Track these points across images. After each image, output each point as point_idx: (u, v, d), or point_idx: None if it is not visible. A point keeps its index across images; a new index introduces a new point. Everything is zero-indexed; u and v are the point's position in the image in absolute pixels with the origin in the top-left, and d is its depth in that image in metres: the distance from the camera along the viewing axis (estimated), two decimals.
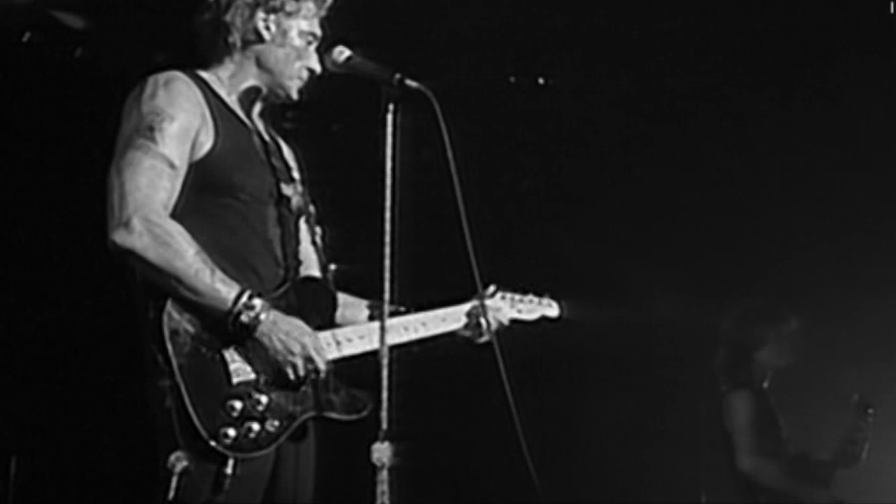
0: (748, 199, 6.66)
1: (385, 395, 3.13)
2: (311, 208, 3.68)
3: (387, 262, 3.21)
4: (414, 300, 3.71)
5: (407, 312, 3.69)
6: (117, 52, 5.75)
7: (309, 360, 3.36)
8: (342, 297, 3.69)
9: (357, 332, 3.55)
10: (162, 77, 3.44)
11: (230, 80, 3.59)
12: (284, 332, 3.34)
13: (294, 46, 3.59)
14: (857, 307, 6.47)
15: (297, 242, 3.59)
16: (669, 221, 6.75)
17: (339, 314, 3.65)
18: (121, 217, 3.26)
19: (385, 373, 3.16)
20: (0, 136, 5.65)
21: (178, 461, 3.19)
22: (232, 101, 3.57)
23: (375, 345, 3.32)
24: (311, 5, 3.61)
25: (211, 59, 3.61)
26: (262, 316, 3.30)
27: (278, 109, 3.75)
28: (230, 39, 3.57)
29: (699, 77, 6.33)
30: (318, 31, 3.63)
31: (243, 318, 3.28)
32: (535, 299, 4.17)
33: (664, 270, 6.76)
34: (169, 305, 3.25)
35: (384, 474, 3.10)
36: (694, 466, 6.60)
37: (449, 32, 5.89)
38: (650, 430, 6.66)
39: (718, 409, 6.08)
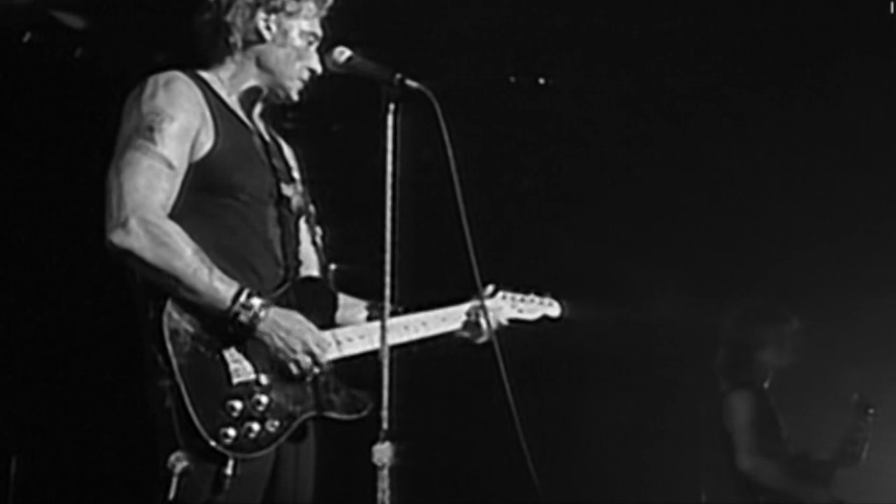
0: (748, 199, 6.67)
1: (386, 395, 3.13)
2: (312, 208, 3.67)
3: (387, 262, 3.20)
4: (414, 300, 3.71)
5: (405, 313, 3.69)
6: (117, 52, 5.76)
7: (311, 355, 3.36)
8: (341, 298, 3.69)
9: (357, 332, 3.55)
10: (162, 77, 3.44)
11: (231, 80, 3.59)
12: (285, 329, 3.34)
13: (295, 47, 3.59)
14: (857, 307, 6.48)
15: (298, 242, 3.59)
16: (669, 221, 6.75)
17: (338, 314, 3.65)
18: (118, 217, 3.27)
19: (386, 373, 3.16)
20: (0, 136, 5.65)
21: (178, 461, 3.19)
22: (232, 101, 3.57)
23: (376, 344, 3.32)
24: (311, 5, 3.61)
25: (211, 59, 3.61)
26: (261, 314, 3.30)
27: (278, 110, 3.75)
28: (231, 39, 3.57)
29: (699, 77, 6.33)
30: (319, 32, 3.63)
31: (241, 317, 3.28)
32: (537, 299, 4.16)
33: (664, 270, 6.76)
34: (169, 305, 3.25)
35: (385, 474, 3.10)
36: (694, 466, 6.61)
37: (449, 32, 5.89)
38: (650, 430, 6.66)
39: (718, 409, 6.09)
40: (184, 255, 3.26)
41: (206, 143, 3.41)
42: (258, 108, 3.66)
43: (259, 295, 3.32)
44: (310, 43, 3.62)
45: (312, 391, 3.41)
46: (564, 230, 6.82)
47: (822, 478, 5.96)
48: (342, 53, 3.48)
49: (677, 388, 6.71)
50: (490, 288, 3.95)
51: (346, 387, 3.49)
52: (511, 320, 4.07)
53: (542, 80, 6.45)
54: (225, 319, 3.27)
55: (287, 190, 3.56)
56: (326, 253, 3.68)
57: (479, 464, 6.56)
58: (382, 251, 3.21)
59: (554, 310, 4.22)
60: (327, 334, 3.47)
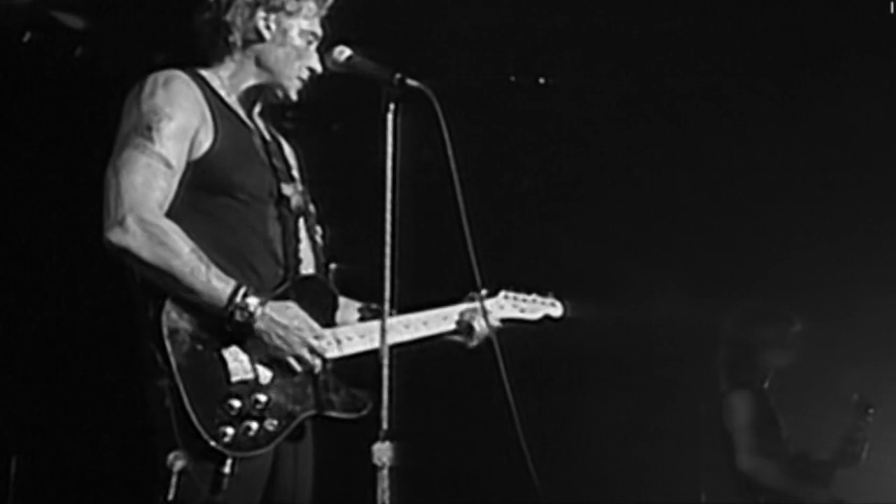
0: (748, 199, 6.67)
1: (386, 394, 3.13)
2: (312, 208, 3.67)
3: (387, 262, 3.20)
4: (414, 300, 3.70)
5: (398, 314, 3.67)
6: (117, 52, 5.75)
7: (311, 349, 3.36)
8: None
9: (358, 331, 3.55)
10: (162, 76, 3.44)
11: (230, 79, 3.59)
12: (283, 326, 3.34)
13: (294, 46, 3.59)
14: (857, 307, 6.48)
15: (298, 241, 3.58)
16: (669, 221, 6.75)
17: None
18: (116, 216, 3.27)
19: (386, 372, 3.16)
20: (0, 136, 5.64)
21: (177, 460, 3.19)
22: (232, 100, 3.57)
23: (376, 343, 3.31)
24: (311, 5, 3.61)
25: (211, 58, 3.61)
26: (258, 312, 3.30)
27: (278, 109, 3.75)
28: (230, 39, 3.57)
29: (699, 77, 6.33)
30: (319, 31, 3.63)
31: (238, 315, 3.28)
32: (539, 299, 4.15)
33: (664, 270, 6.76)
34: (168, 305, 3.25)
35: (385, 474, 3.09)
36: (694, 466, 6.61)
37: (449, 32, 5.89)
38: (650, 430, 6.66)
39: (718, 409, 6.09)
40: (181, 253, 3.26)
41: (206, 142, 3.41)
42: (258, 108, 3.66)
43: (256, 293, 3.32)
44: (309, 42, 3.61)
45: (312, 390, 3.41)
46: (564, 230, 6.81)
47: (822, 478, 5.96)
48: (342, 53, 3.48)
49: (677, 388, 6.71)
50: (483, 292, 3.92)
51: (346, 386, 3.49)
52: (513, 320, 4.06)
53: (542, 80, 6.45)
54: (223, 318, 3.27)
55: (287, 189, 3.56)
56: (326, 252, 3.68)
57: (479, 464, 6.56)
58: (382, 251, 3.20)
59: (556, 310, 4.20)
60: (328, 333, 3.47)
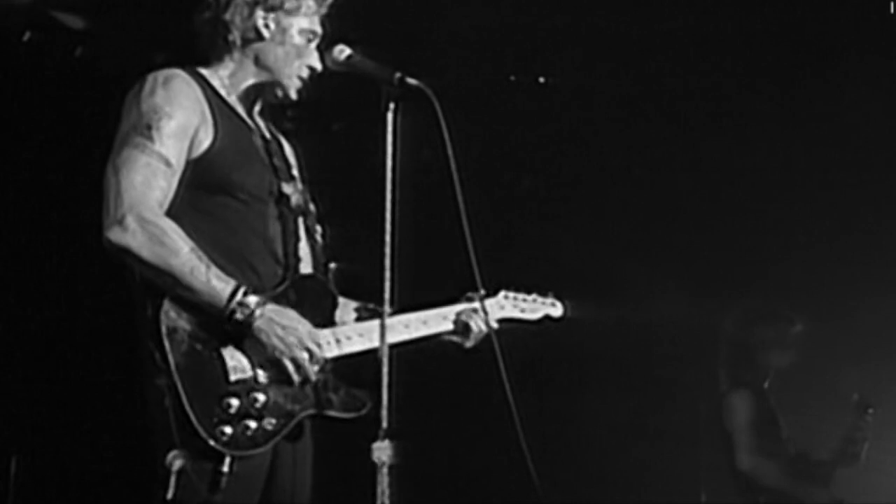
0: (748, 198, 6.66)
1: (385, 393, 3.13)
2: (311, 207, 3.67)
3: (387, 262, 3.20)
4: (414, 300, 3.70)
5: (395, 314, 3.66)
6: (117, 52, 5.75)
7: (308, 352, 3.36)
8: None
9: (357, 330, 3.55)
10: (162, 74, 3.44)
11: (230, 78, 3.59)
12: (282, 326, 3.34)
13: (294, 45, 3.59)
14: (857, 307, 6.48)
15: (298, 240, 3.58)
16: (669, 221, 6.75)
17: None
18: (115, 215, 3.27)
19: (385, 371, 3.16)
20: (0, 135, 5.64)
21: (176, 459, 3.19)
22: (232, 99, 3.57)
23: (375, 343, 3.31)
24: (311, 3, 3.61)
25: (211, 57, 3.61)
26: (258, 312, 3.30)
27: (278, 108, 3.75)
28: (230, 38, 3.57)
29: (699, 77, 6.33)
30: (319, 29, 3.63)
31: (238, 315, 3.28)
32: (539, 298, 4.15)
33: (664, 270, 6.76)
34: (166, 303, 3.25)
35: (384, 473, 3.09)
36: (694, 466, 6.61)
37: (449, 31, 5.88)
38: (650, 430, 6.66)
39: (718, 409, 6.09)
40: (180, 252, 3.26)
41: (205, 141, 3.41)
42: (258, 106, 3.66)
43: (256, 292, 3.32)
44: (309, 41, 3.61)
45: (311, 389, 3.41)
46: (564, 230, 6.81)
47: (821, 478, 5.96)
48: (342, 52, 3.48)
49: (677, 388, 6.71)
50: (481, 292, 3.91)
51: (346, 385, 3.49)
52: (513, 320, 4.06)
53: (542, 80, 6.44)
54: (222, 317, 3.27)
55: (287, 188, 3.56)
56: (326, 252, 3.68)
57: (479, 463, 6.56)
58: (382, 250, 3.20)
59: (556, 310, 4.20)
60: (327, 332, 3.47)
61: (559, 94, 6.46)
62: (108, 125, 3.45)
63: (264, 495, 3.39)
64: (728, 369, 6.16)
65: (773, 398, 6.13)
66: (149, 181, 3.30)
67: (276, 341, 3.33)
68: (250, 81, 3.60)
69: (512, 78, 6.43)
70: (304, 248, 3.59)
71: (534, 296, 4.13)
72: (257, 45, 3.58)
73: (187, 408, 3.19)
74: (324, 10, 3.64)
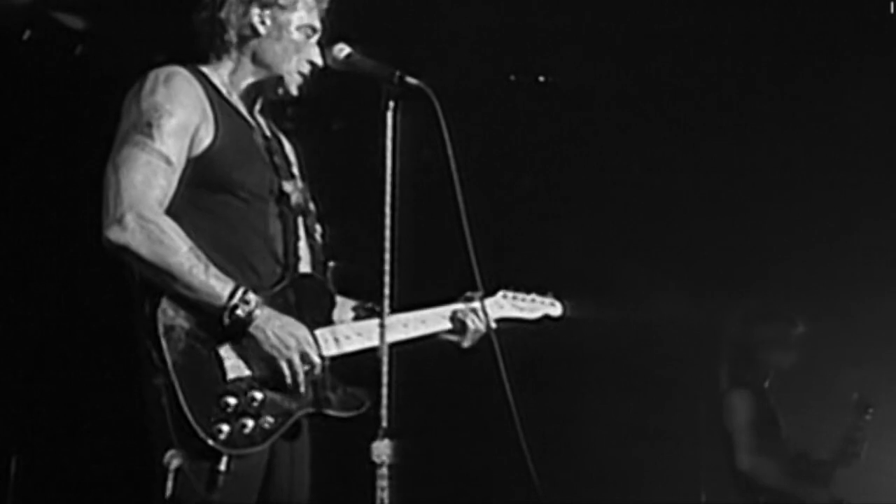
0: (749, 198, 6.67)
1: (385, 392, 3.13)
2: (311, 206, 3.67)
3: (386, 261, 3.20)
4: (414, 300, 3.70)
5: (392, 313, 3.65)
6: (117, 51, 5.75)
7: (304, 355, 3.36)
8: None
9: (356, 329, 3.55)
10: (163, 72, 3.45)
11: (230, 76, 3.59)
12: (279, 325, 3.34)
13: (292, 40, 3.59)
14: (857, 307, 6.48)
15: (297, 239, 3.58)
16: (669, 221, 6.75)
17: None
18: (115, 213, 3.27)
19: (385, 370, 3.15)
20: (0, 135, 5.64)
21: (174, 458, 3.19)
22: (234, 97, 3.58)
23: (374, 342, 3.30)
24: None
25: (211, 57, 3.61)
26: (257, 312, 3.30)
27: (279, 107, 3.75)
28: (226, 37, 3.58)
29: (699, 77, 6.33)
30: (318, 24, 3.62)
31: (239, 311, 3.27)
32: (538, 298, 4.15)
33: (664, 270, 6.76)
34: (164, 302, 3.25)
35: (384, 472, 3.09)
36: (694, 466, 6.61)
37: (449, 31, 5.88)
38: (650, 430, 6.66)
39: (718, 409, 6.09)
40: (179, 251, 3.26)
41: (206, 139, 3.41)
42: (258, 105, 3.66)
43: (255, 291, 3.32)
44: (308, 36, 3.61)
45: (309, 388, 3.40)
46: (564, 230, 6.81)
47: (821, 477, 5.96)
48: (341, 51, 3.47)
49: (677, 388, 6.70)
50: (479, 293, 3.91)
51: (344, 384, 3.49)
52: (512, 319, 4.05)
53: (541, 79, 6.44)
54: (220, 316, 3.27)
55: (287, 186, 3.56)
56: (326, 251, 3.68)
57: (478, 463, 6.55)
58: (382, 250, 3.20)
59: (556, 309, 4.20)
60: (326, 331, 3.47)
61: (559, 94, 6.46)
62: (108, 125, 3.45)
63: (262, 494, 3.39)
64: (728, 369, 6.16)
65: (773, 398, 6.13)
66: (149, 180, 3.30)
67: (273, 339, 3.33)
68: (250, 80, 3.60)
69: (512, 78, 6.43)
70: (303, 247, 3.59)
71: (533, 295, 4.13)
72: (254, 43, 3.58)
73: (184, 406, 3.19)
74: (324, 5, 3.64)
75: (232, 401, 3.26)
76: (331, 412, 3.45)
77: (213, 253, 3.32)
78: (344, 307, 3.71)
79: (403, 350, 3.53)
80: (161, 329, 3.23)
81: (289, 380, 3.35)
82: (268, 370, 3.34)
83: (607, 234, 6.75)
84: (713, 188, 6.69)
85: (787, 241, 6.65)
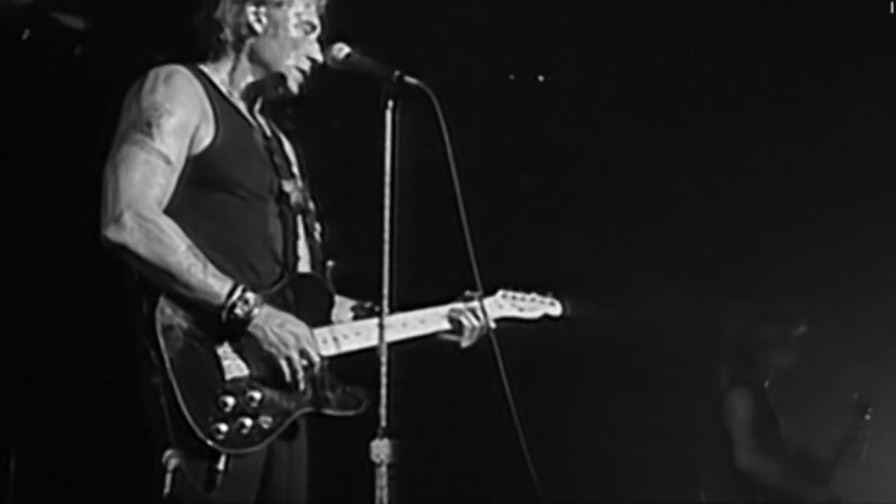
0: (749, 198, 6.67)
1: (384, 392, 3.13)
2: (311, 205, 3.67)
3: (385, 261, 3.20)
4: (413, 299, 3.70)
5: (391, 313, 3.65)
6: (117, 51, 5.75)
7: (303, 352, 3.36)
8: None
9: (355, 329, 3.55)
10: (163, 71, 3.45)
11: (230, 75, 3.60)
12: (278, 324, 3.34)
13: (290, 37, 3.59)
14: (857, 307, 6.48)
15: (297, 239, 3.58)
16: (669, 221, 6.75)
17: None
18: (113, 212, 3.27)
19: (384, 370, 3.15)
20: (0, 135, 5.64)
21: (172, 458, 3.19)
22: (234, 96, 3.58)
23: (373, 341, 3.31)
24: None
25: (211, 56, 3.61)
26: (256, 310, 3.30)
27: (279, 106, 3.75)
28: (223, 36, 3.58)
29: (699, 77, 6.33)
30: (316, 20, 3.62)
31: (238, 310, 3.27)
32: (538, 298, 4.14)
33: (664, 270, 6.76)
34: (162, 301, 3.25)
35: (383, 471, 3.09)
36: (693, 465, 6.61)
37: (449, 31, 5.88)
38: (650, 429, 6.66)
39: (718, 408, 6.09)
40: (178, 250, 3.26)
41: (206, 138, 3.41)
42: (258, 104, 3.66)
43: (253, 290, 3.32)
44: (307, 32, 3.61)
45: (308, 387, 3.40)
46: (564, 230, 6.81)
47: (821, 477, 5.97)
48: (341, 50, 3.48)
49: (677, 388, 6.70)
50: (478, 293, 3.90)
51: (343, 383, 3.49)
52: (512, 319, 4.05)
53: (541, 78, 6.44)
54: (219, 315, 3.27)
55: (287, 186, 3.56)
56: (325, 250, 3.68)
57: (478, 463, 6.55)
58: (381, 249, 3.20)
59: (555, 309, 4.19)
60: (324, 330, 3.47)
61: (559, 93, 6.46)
62: (108, 125, 3.45)
63: (260, 494, 3.39)
64: (728, 369, 6.16)
65: (773, 397, 6.13)
66: (148, 179, 3.30)
67: (272, 337, 3.33)
68: (250, 79, 3.60)
69: (512, 77, 6.43)
70: (302, 247, 3.60)
71: (532, 295, 4.13)
72: (251, 41, 3.59)
73: (182, 406, 3.19)
74: (323, 2, 3.64)
75: (230, 400, 3.26)
76: (330, 412, 3.45)
77: (212, 252, 3.32)
78: (343, 307, 3.71)
79: (402, 350, 3.53)
80: (159, 328, 3.23)
81: (288, 377, 3.35)
82: (266, 369, 3.34)
83: (607, 234, 6.75)
84: (713, 188, 6.69)
85: (787, 241, 6.65)
